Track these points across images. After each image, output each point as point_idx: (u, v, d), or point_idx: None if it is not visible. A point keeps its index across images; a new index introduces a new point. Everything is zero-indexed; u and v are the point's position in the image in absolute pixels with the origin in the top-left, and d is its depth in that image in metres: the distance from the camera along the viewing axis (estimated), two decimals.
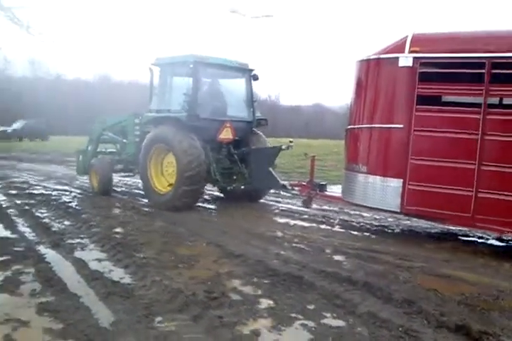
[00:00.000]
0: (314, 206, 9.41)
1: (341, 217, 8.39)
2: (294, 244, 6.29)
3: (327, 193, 8.50)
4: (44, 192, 10.63)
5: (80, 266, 5.14)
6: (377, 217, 8.44)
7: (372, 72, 6.98)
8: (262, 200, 10.09)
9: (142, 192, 9.67)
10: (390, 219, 8.30)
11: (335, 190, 8.83)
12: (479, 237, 7.17)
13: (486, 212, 6.07)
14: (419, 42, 6.53)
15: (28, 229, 6.85)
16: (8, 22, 14.50)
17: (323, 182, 8.75)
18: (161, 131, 8.88)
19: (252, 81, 9.73)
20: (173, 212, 8.37)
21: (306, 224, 7.72)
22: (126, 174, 11.12)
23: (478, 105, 6.13)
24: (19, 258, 5.34)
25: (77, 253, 5.65)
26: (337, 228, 7.51)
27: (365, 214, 8.66)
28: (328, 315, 3.99)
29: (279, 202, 10.08)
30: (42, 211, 8.32)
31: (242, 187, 9.35)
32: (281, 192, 10.94)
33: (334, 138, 27.92)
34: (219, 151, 9.38)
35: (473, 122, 6.12)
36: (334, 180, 12.00)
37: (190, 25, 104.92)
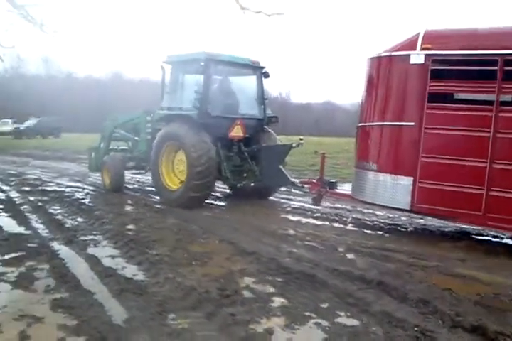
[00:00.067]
0: (327, 204, 9.39)
1: (354, 216, 8.35)
2: (307, 242, 6.25)
3: (337, 191, 8.47)
4: (57, 188, 10.70)
5: (94, 262, 5.16)
6: (391, 216, 8.38)
7: (384, 70, 6.92)
8: (274, 198, 10.09)
9: (154, 190, 9.69)
10: (403, 218, 8.23)
11: (347, 188, 8.77)
12: (494, 236, 7.09)
13: (497, 211, 6.01)
14: (431, 39, 6.47)
15: (41, 226, 6.89)
16: (21, 20, 14.58)
17: (333, 180, 8.71)
18: (172, 129, 8.90)
19: (263, 78, 9.71)
20: (184, 208, 8.39)
21: (318, 222, 7.69)
22: (138, 171, 11.16)
23: (490, 103, 6.05)
24: (33, 255, 5.37)
25: (91, 250, 5.68)
26: (350, 226, 7.47)
27: (378, 213, 8.60)
28: (342, 313, 3.97)
29: (291, 199, 10.05)
30: (55, 207, 8.37)
31: (252, 184, 9.35)
32: (293, 190, 10.89)
33: (345, 136, 27.86)
34: (230, 149, 9.39)
35: (485, 120, 6.06)
36: (346, 177, 11.95)
37: (202, 22, 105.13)
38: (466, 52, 6.18)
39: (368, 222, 7.84)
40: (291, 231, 6.89)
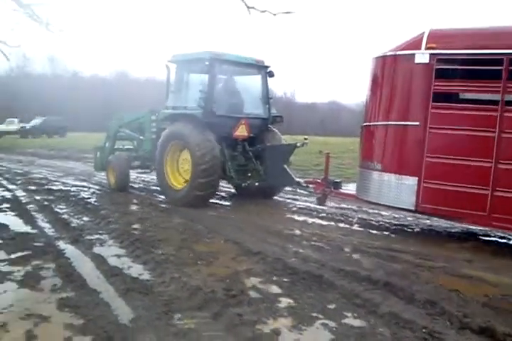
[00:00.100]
0: (332, 204, 9.37)
1: (360, 216, 8.32)
2: (313, 243, 6.23)
3: (342, 191, 8.45)
4: (63, 188, 10.72)
5: (99, 261, 5.16)
6: (397, 216, 8.35)
7: (388, 69, 6.90)
8: (279, 198, 10.08)
9: (159, 189, 9.69)
10: (409, 218, 8.20)
11: (351, 188, 8.75)
12: (501, 237, 7.05)
13: (502, 211, 5.97)
14: (436, 38, 6.44)
15: (47, 225, 6.90)
16: (27, 19, 14.62)
17: (338, 180, 8.69)
18: (176, 128, 8.91)
19: (268, 78, 9.71)
20: (189, 207, 8.41)
21: (324, 223, 7.67)
22: (143, 171, 11.18)
23: (495, 102, 6.02)
24: (39, 254, 5.37)
25: (96, 249, 5.68)
26: (356, 226, 7.43)
27: (383, 213, 8.57)
28: (349, 314, 3.94)
29: (297, 199, 10.03)
30: (61, 207, 8.38)
31: (257, 184, 9.34)
32: (299, 190, 10.88)
33: (350, 136, 27.81)
34: (234, 148, 9.39)
35: (490, 120, 6.03)
36: (351, 177, 11.92)
37: (207, 21, 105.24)
38: (471, 52, 6.15)
39: (373, 223, 7.82)
40: (297, 232, 6.87)
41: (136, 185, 11.52)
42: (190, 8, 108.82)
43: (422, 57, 6.44)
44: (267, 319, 3.79)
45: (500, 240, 6.93)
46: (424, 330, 3.64)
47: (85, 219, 7.41)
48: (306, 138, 9.12)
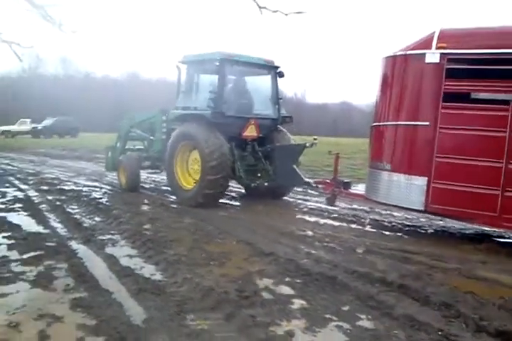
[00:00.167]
0: (344, 205, 9.33)
1: (372, 217, 8.26)
2: (325, 243, 6.19)
3: (351, 191, 8.41)
4: (75, 188, 10.76)
5: (112, 262, 5.15)
6: (409, 217, 8.28)
7: (399, 69, 6.86)
8: (290, 199, 10.06)
9: (170, 189, 9.69)
10: (422, 219, 8.13)
11: (363, 188, 8.69)
12: None
13: None
14: (447, 38, 6.40)
15: (59, 225, 6.92)
16: (40, 20, 14.69)
17: (347, 180, 8.64)
18: (186, 128, 8.94)
19: (278, 78, 9.70)
20: (199, 206, 8.43)
21: (336, 223, 7.62)
22: (153, 171, 11.19)
23: (506, 102, 5.96)
24: (51, 254, 5.38)
25: (109, 249, 5.68)
26: (368, 227, 7.38)
27: (396, 214, 8.51)
28: (363, 316, 3.90)
29: (308, 200, 9.99)
30: (73, 207, 8.41)
31: (266, 184, 9.33)
32: (310, 191, 10.86)
33: (362, 137, 27.70)
34: (244, 148, 9.40)
35: (501, 119, 5.96)
36: (363, 178, 11.82)
37: (218, 22, 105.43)
38: (481, 51, 6.10)
39: (386, 223, 7.76)
40: (309, 232, 6.83)
41: (147, 185, 11.54)
42: (201, 9, 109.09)
43: (432, 56, 6.39)
44: (280, 320, 3.76)
45: None
46: (439, 333, 3.59)
47: (97, 219, 7.43)
48: (315, 139, 9.09)
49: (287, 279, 4.77)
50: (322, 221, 7.78)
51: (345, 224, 7.59)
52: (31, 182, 11.64)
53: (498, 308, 4.13)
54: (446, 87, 6.33)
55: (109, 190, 10.70)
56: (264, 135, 9.55)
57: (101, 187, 11.00)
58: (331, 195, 8.36)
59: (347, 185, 8.32)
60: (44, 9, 13.93)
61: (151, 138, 10.63)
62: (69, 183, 11.60)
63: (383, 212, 8.71)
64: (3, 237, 6.08)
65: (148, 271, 4.90)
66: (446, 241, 6.64)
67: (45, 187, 10.64)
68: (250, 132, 9.19)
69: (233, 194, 10.38)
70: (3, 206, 8.25)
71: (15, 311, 3.79)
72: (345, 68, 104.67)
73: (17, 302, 3.96)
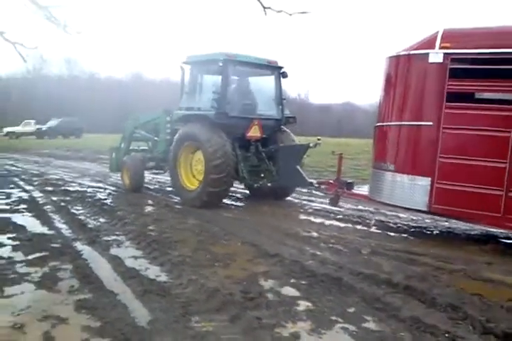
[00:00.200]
0: (349, 206, 9.30)
1: (377, 218, 8.21)
2: (331, 245, 6.16)
3: (354, 191, 8.39)
4: (79, 189, 10.77)
5: (116, 263, 5.14)
6: (414, 218, 8.25)
7: (402, 69, 6.84)
8: (295, 199, 10.04)
9: (174, 190, 9.68)
10: (427, 220, 8.09)
11: (367, 189, 8.67)
12: None
13: None
14: (450, 37, 6.38)
15: (64, 226, 6.92)
16: (45, 21, 14.72)
17: (350, 181, 8.62)
18: (189, 129, 8.94)
19: (281, 78, 9.69)
20: (203, 206, 8.45)
21: (341, 225, 7.59)
22: (157, 171, 11.19)
23: (510, 102, 5.94)
24: (56, 255, 5.38)
25: (113, 251, 5.67)
26: (373, 229, 7.34)
27: (401, 215, 8.47)
28: (369, 318, 3.88)
29: (313, 201, 9.96)
30: (77, 208, 8.41)
31: (269, 184, 9.30)
32: (314, 191, 10.83)
33: (366, 137, 27.65)
34: (247, 149, 9.39)
35: (504, 119, 5.94)
36: (367, 179, 11.78)
37: (222, 22, 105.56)
38: (485, 51, 6.07)
39: (391, 225, 7.73)
40: (314, 234, 6.80)
41: (151, 186, 11.54)
42: (205, 9, 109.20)
43: (435, 56, 6.38)
44: (286, 322, 3.74)
45: None
46: (446, 335, 3.57)
47: (102, 220, 7.43)
48: (319, 139, 9.08)
49: (292, 280, 4.75)
50: (327, 222, 7.75)
51: (350, 225, 7.56)
52: (36, 183, 11.66)
53: (506, 310, 4.10)
54: (450, 86, 6.32)
55: (113, 190, 10.70)
56: (267, 135, 9.54)
57: (105, 188, 11.00)
58: (334, 196, 8.34)
59: (350, 186, 8.29)
60: (48, 10, 13.95)
61: (155, 138, 10.64)
62: (73, 184, 11.61)
63: (388, 213, 8.68)
64: (8, 238, 6.08)
65: (153, 272, 4.89)
66: (452, 243, 6.60)
67: (50, 188, 10.65)
68: (254, 133, 9.19)
69: (238, 195, 10.37)
70: (7, 207, 8.26)
71: (19, 312, 3.78)
72: (348, 68, 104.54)
73: (22, 304, 3.95)
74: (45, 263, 5.07)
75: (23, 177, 12.82)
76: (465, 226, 7.58)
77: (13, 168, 15.50)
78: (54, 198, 9.31)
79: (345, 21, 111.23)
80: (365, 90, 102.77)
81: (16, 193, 9.87)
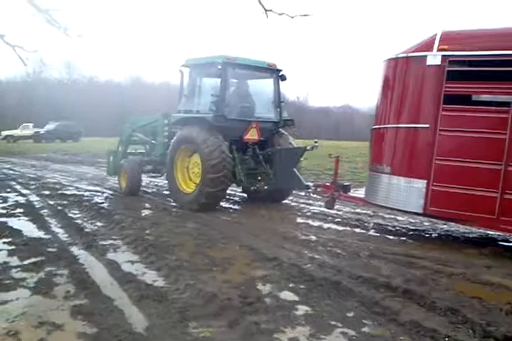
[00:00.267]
0: (347, 209, 9.27)
1: (376, 221, 8.19)
2: (329, 248, 6.13)
3: (350, 194, 8.37)
4: (76, 192, 10.71)
5: (113, 268, 5.09)
6: (413, 221, 8.21)
7: (400, 71, 6.84)
8: (293, 203, 10.01)
9: (169, 193, 9.65)
10: (425, 223, 8.06)
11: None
12: None
13: (511, 214, 5.86)
14: (448, 40, 6.38)
15: (60, 230, 6.87)
16: (45, 24, 14.71)
17: (347, 183, 8.60)
18: (186, 132, 8.91)
19: (280, 81, 9.68)
20: (201, 209, 8.43)
21: (339, 228, 7.55)
22: (155, 175, 11.14)
23: (506, 104, 5.93)
24: (52, 259, 5.33)
25: (110, 255, 5.62)
26: (372, 232, 7.32)
27: (399, 218, 8.44)
28: (369, 322, 3.84)
29: (311, 204, 9.93)
30: (74, 212, 8.36)
31: (266, 187, 9.29)
32: (312, 195, 10.78)
33: (364, 140, 27.68)
34: (244, 152, 9.39)
35: (501, 122, 5.93)
36: (365, 181, 11.78)
37: (221, 25, 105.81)
38: (482, 53, 6.09)
39: (390, 228, 7.69)
40: (313, 237, 6.76)
41: (149, 190, 11.49)
42: (204, 12, 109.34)
43: (433, 58, 6.38)
44: (285, 327, 3.71)
45: None
46: (446, 339, 3.54)
47: (99, 224, 7.38)
48: (316, 142, 9.06)
49: (291, 285, 4.71)
50: (325, 225, 7.72)
51: (348, 229, 7.52)
52: (33, 186, 11.60)
53: (506, 313, 4.07)
54: (447, 89, 6.31)
55: (110, 194, 10.65)
56: (265, 138, 9.53)
57: (103, 192, 10.95)
58: (330, 198, 8.30)
59: (346, 189, 8.27)
60: (49, 13, 13.96)
61: (153, 142, 10.61)
62: (70, 188, 11.55)
63: (386, 216, 8.64)
64: (4, 243, 6.03)
65: (150, 277, 4.85)
66: (451, 246, 6.57)
67: (47, 192, 10.60)
68: (252, 135, 9.17)
69: (236, 198, 10.33)
70: (4, 211, 8.21)
71: (14, 319, 3.73)
72: (347, 71, 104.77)
73: (17, 310, 3.90)
74: (41, 268, 5.02)
75: (20, 181, 12.76)
76: (463, 229, 7.56)
77: (10, 172, 15.43)
78: (51, 202, 9.25)
79: (345, 24, 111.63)
80: (364, 93, 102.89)
81: (13, 197, 9.81)
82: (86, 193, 10.66)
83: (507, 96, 5.93)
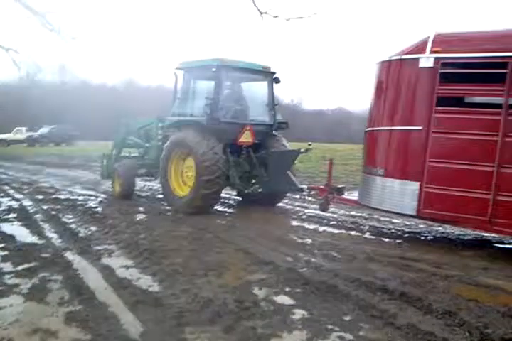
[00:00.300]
0: (342, 212, 9.26)
1: (371, 224, 8.18)
2: (325, 251, 6.10)
3: (344, 197, 8.37)
4: (70, 197, 10.64)
5: (108, 273, 5.05)
6: (408, 223, 8.21)
7: (393, 73, 6.86)
8: (288, 206, 9.98)
9: (164, 198, 9.60)
10: (421, 226, 8.06)
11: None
12: None
13: (504, 216, 5.90)
14: (441, 42, 6.41)
15: (54, 235, 6.81)
16: (39, 27, 14.67)
17: (341, 186, 8.60)
18: (180, 135, 8.89)
19: (274, 84, 9.68)
20: (196, 211, 8.42)
21: (335, 231, 7.54)
22: (149, 178, 11.09)
23: (499, 106, 5.95)
24: (46, 265, 5.28)
25: (105, 260, 5.57)
26: (367, 235, 7.31)
27: (394, 221, 8.43)
28: (366, 326, 3.82)
29: (306, 207, 9.90)
30: (68, 216, 8.29)
31: (260, 190, 9.24)
32: (307, 197, 10.76)
33: (359, 143, 27.71)
34: (238, 154, 9.37)
35: (493, 123, 5.96)
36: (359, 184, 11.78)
37: (215, 28, 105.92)
38: (475, 55, 6.12)
39: (385, 230, 7.69)
40: (308, 240, 6.74)
41: (143, 194, 11.44)
42: (199, 15, 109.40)
43: (426, 61, 6.41)
44: (282, 332, 3.68)
45: None
46: None
47: (93, 228, 7.32)
48: (310, 144, 9.06)
49: (287, 289, 4.68)
50: (321, 228, 7.70)
51: (344, 232, 7.50)
52: (26, 191, 11.52)
53: (503, 316, 4.06)
54: (440, 91, 6.34)
55: (104, 198, 10.58)
56: (259, 141, 9.51)
57: (97, 196, 10.89)
58: (324, 201, 8.29)
59: (340, 191, 8.27)
60: (43, 16, 13.91)
61: (147, 145, 10.57)
62: (64, 192, 11.47)
63: (382, 218, 8.64)
64: None
65: (145, 282, 4.80)
66: (447, 248, 6.57)
67: (40, 197, 10.52)
68: (246, 138, 9.15)
69: (231, 202, 10.30)
70: None
71: (8, 326, 3.68)
72: (341, 74, 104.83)
73: (10, 317, 3.85)
74: (34, 274, 4.96)
75: (13, 185, 12.67)
76: (459, 231, 7.56)
77: (4, 176, 15.33)
78: (44, 207, 9.19)
79: (339, 27, 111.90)
80: (357, 96, 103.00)
81: (6, 202, 9.72)
82: (80, 197, 10.59)
83: (499, 98, 5.95)
